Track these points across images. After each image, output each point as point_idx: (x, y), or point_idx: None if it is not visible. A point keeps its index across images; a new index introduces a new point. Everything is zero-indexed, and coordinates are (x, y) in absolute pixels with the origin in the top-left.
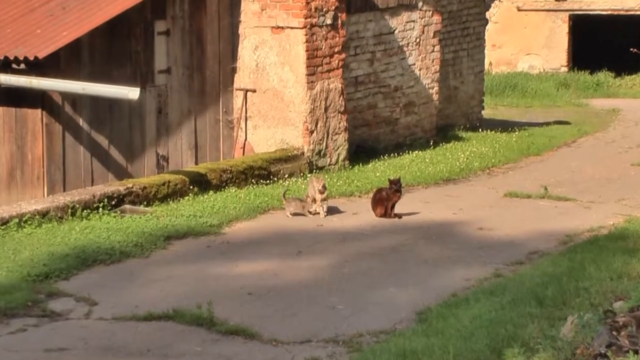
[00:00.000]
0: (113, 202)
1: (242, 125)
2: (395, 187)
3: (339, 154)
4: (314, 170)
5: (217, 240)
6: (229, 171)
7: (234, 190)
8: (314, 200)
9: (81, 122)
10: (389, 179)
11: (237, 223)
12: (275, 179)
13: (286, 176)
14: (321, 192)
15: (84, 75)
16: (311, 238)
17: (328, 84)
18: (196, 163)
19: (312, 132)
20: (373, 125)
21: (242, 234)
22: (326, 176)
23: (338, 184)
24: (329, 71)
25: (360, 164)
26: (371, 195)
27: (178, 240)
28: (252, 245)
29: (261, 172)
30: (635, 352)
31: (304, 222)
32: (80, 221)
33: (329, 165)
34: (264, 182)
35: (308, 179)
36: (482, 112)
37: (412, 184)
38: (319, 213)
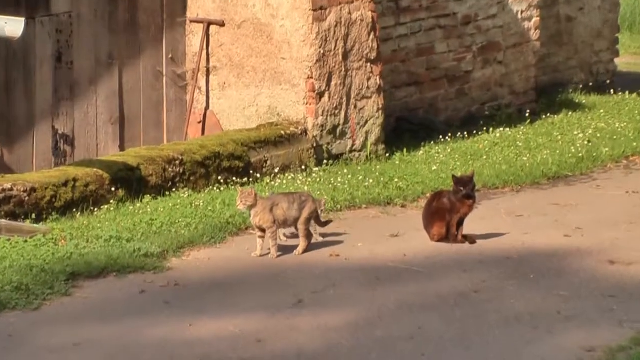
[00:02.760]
0: None
1: (202, 83)
2: (465, 191)
3: (367, 134)
4: (325, 161)
5: (158, 280)
6: (178, 161)
7: (186, 194)
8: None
9: None
10: (453, 177)
11: (192, 251)
12: (258, 175)
13: (276, 170)
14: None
15: None
16: (320, 277)
17: (349, 13)
18: (122, 148)
19: (321, 94)
20: (427, 83)
21: (202, 270)
22: (344, 171)
23: (365, 185)
24: None
25: (404, 151)
26: (423, 204)
27: (91, 280)
28: (218, 289)
29: (234, 163)
30: None
31: (307, 250)
32: None
33: (351, 152)
34: (238, 180)
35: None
36: (616, 60)
37: (493, 185)
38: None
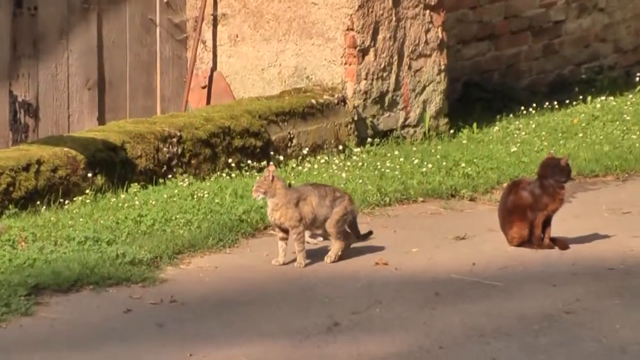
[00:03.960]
0: None
1: (206, 35)
2: (557, 179)
3: (425, 104)
4: (369, 139)
5: (149, 295)
6: (175, 139)
7: (186, 182)
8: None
9: None
10: (542, 162)
11: (193, 257)
12: (281, 157)
13: (304, 152)
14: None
15: None
16: (362, 292)
17: None
18: (101, 121)
19: (364, 51)
20: (504, 37)
21: (206, 283)
22: (395, 153)
23: (422, 171)
24: None
25: (474, 126)
26: (498, 197)
27: (60, 295)
28: (227, 307)
29: (248, 141)
30: None
31: (343, 255)
32: None
33: (404, 127)
34: (255, 163)
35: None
36: None
37: (591, 172)
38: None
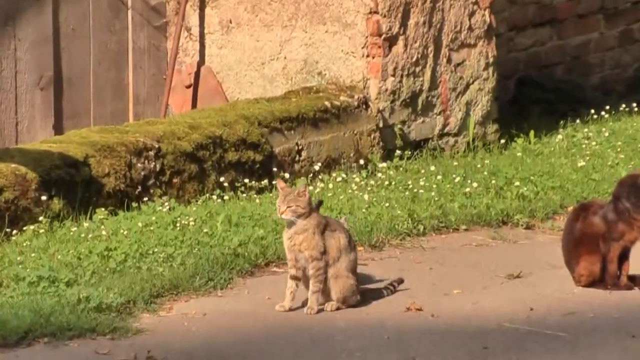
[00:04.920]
0: None
1: (192, 20)
2: (636, 202)
3: (469, 106)
4: (399, 152)
5: (119, 350)
6: (152, 152)
7: (167, 207)
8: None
9: None
10: (619, 181)
11: (175, 302)
12: (286, 173)
13: (316, 167)
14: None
15: None
16: (390, 346)
17: None
18: (58, 129)
19: (391, 41)
20: (569, 22)
21: (192, 334)
22: (430, 169)
23: (465, 191)
24: None
25: (532, 134)
26: (562, 224)
27: (7, 350)
28: None
29: (246, 155)
30: None
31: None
32: None
33: (442, 136)
34: (254, 183)
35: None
36: None
37: None
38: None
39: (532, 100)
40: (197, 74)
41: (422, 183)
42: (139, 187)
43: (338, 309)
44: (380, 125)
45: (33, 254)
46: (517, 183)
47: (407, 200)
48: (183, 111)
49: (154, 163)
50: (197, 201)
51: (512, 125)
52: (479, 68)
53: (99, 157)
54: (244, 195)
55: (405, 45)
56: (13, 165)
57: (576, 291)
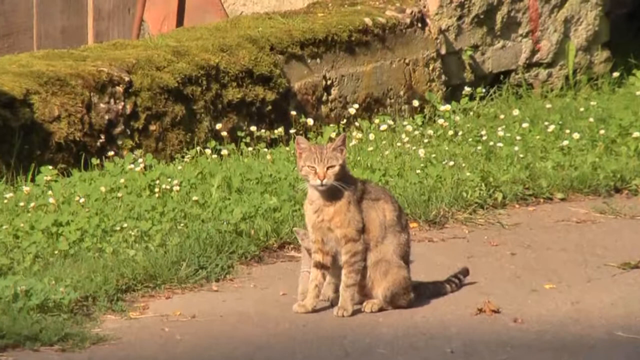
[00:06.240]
0: None
1: None
2: None
3: (568, 26)
4: (468, 88)
5: None
6: (122, 87)
7: (140, 164)
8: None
9: None
10: None
11: (152, 298)
12: (309, 119)
13: (352, 110)
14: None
15: None
16: None
17: None
18: None
19: None
20: None
21: (174, 344)
22: (511, 113)
23: (562, 144)
24: None
25: None
26: None
27: None
28: None
29: (252, 92)
30: None
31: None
32: None
33: (529, 66)
34: (263, 132)
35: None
36: None
37: None
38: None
39: None
40: None
41: (501, 133)
42: (102, 137)
43: (381, 309)
44: (443, 51)
45: None
46: (637, 134)
47: (479, 158)
48: (164, 30)
49: (122, 103)
50: (183, 157)
51: (629, 51)
52: None
53: (44, 93)
54: (250, 149)
55: None
56: None
57: None
